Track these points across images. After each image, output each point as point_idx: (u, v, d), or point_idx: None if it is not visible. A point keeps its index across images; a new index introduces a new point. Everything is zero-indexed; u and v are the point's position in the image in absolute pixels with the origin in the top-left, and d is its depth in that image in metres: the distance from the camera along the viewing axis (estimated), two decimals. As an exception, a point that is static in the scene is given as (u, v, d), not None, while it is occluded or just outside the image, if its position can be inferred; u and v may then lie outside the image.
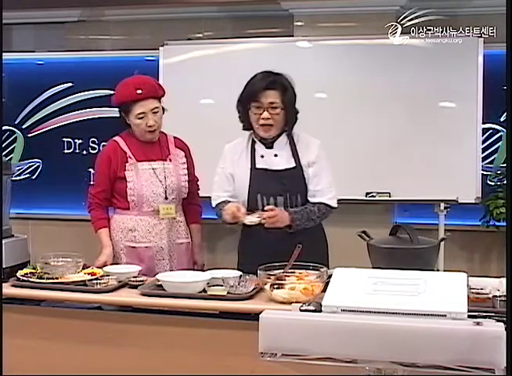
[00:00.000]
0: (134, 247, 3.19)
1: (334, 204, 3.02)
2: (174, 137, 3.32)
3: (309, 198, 3.00)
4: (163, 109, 3.22)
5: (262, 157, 3.02)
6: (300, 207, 2.97)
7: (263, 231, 2.89)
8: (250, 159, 3.02)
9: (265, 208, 2.86)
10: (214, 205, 3.09)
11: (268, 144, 3.03)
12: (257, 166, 3.01)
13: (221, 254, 4.69)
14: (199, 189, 3.41)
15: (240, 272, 2.75)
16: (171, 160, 3.24)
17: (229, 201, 3.01)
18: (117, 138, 3.27)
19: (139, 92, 3.09)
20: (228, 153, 3.09)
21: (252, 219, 2.84)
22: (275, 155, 3.01)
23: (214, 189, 3.10)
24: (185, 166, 3.28)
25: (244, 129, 3.08)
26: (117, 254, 3.21)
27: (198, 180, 3.40)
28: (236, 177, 3.04)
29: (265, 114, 2.92)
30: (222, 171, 3.08)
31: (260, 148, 3.04)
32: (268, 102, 2.92)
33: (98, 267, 2.91)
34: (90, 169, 5.41)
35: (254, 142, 3.06)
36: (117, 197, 3.21)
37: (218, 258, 4.74)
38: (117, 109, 3.24)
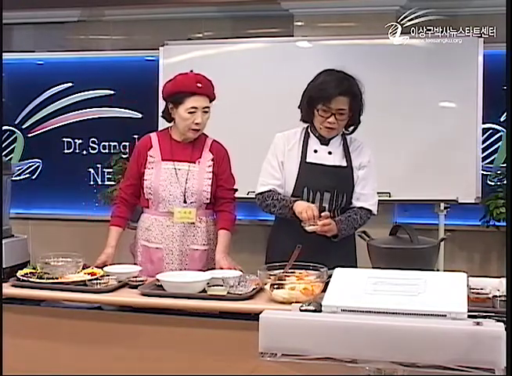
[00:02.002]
0: (147, 246, 3.16)
1: (375, 210, 3.03)
2: (214, 140, 3.22)
3: (353, 201, 3.01)
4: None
5: (315, 152, 3.01)
6: (344, 215, 2.96)
7: (300, 229, 2.87)
8: (301, 152, 3.01)
9: (322, 214, 2.84)
10: (258, 192, 3.03)
11: (324, 140, 3.02)
12: (308, 160, 3.00)
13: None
14: (234, 197, 3.23)
15: (240, 272, 2.75)
16: (199, 163, 3.14)
17: (276, 191, 2.98)
18: (152, 133, 3.21)
19: (199, 85, 3.05)
20: (281, 141, 3.05)
21: (312, 227, 2.81)
22: (330, 152, 3.01)
23: (263, 174, 3.05)
24: (211, 170, 3.14)
25: (303, 121, 3.05)
26: (136, 252, 3.20)
27: (234, 189, 3.22)
28: (285, 167, 3.02)
29: (332, 119, 2.91)
30: (274, 158, 3.04)
31: (314, 143, 3.02)
32: (337, 108, 2.89)
33: (97, 266, 2.90)
34: (90, 169, 5.44)
35: (307, 136, 3.04)
36: (142, 194, 3.17)
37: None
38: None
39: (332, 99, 2.87)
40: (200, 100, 3.06)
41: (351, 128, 3.03)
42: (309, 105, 2.96)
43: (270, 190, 3.01)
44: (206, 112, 3.09)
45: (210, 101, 3.13)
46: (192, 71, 3.18)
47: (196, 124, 3.06)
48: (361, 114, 3.00)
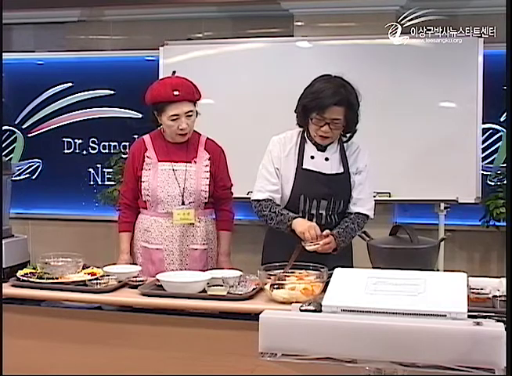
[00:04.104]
0: (147, 247, 3.16)
1: (372, 214, 3.00)
2: (208, 138, 3.22)
3: (350, 205, 2.97)
4: (196, 112, 3.11)
5: (312, 158, 2.95)
6: (341, 225, 2.91)
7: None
8: (298, 158, 2.95)
9: (323, 233, 2.78)
10: (255, 198, 2.96)
11: (321, 146, 2.96)
12: (305, 167, 2.94)
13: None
14: (232, 193, 3.28)
15: (240, 272, 2.75)
16: (195, 163, 3.14)
17: (274, 202, 2.92)
18: (145, 136, 3.21)
19: (176, 93, 3.00)
20: (277, 147, 2.99)
21: (313, 247, 2.76)
22: (327, 159, 2.95)
23: (259, 180, 2.99)
24: (208, 169, 3.15)
25: (298, 126, 2.99)
26: (135, 253, 3.20)
27: (231, 185, 3.27)
28: (281, 173, 2.96)
29: (326, 128, 2.85)
30: (270, 163, 2.97)
31: (311, 149, 2.97)
32: (331, 118, 2.83)
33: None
34: (90, 169, 5.44)
35: (303, 141, 2.98)
36: (140, 196, 3.17)
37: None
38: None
39: (326, 109, 2.81)
40: (181, 107, 3.03)
41: (348, 135, 2.98)
42: (303, 112, 2.91)
43: (267, 199, 2.94)
44: (190, 116, 3.06)
45: (195, 102, 3.10)
46: (175, 72, 3.15)
47: (181, 129, 3.06)
48: (357, 123, 2.93)
